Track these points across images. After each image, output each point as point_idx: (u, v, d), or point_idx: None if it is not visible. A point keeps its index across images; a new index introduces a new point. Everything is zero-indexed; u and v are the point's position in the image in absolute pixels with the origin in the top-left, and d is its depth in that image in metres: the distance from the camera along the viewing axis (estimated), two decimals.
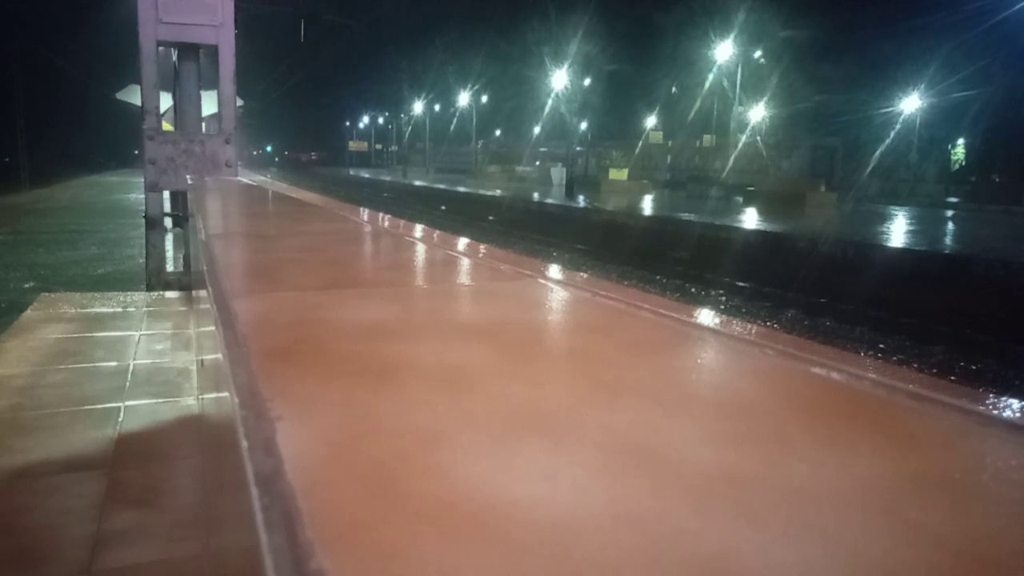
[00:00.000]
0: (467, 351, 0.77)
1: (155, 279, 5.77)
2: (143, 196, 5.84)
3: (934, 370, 8.02)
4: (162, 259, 5.89)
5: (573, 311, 1.07)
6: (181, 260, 6.13)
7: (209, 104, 6.21)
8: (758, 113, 36.68)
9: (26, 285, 6.46)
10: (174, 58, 5.90)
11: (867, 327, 9.78)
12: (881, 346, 9.11)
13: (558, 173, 39.32)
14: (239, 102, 6.05)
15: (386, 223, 2.52)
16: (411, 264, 1.59)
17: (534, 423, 0.55)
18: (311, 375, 0.65)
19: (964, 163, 42.94)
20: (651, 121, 49.89)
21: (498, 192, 28.56)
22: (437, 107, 65.84)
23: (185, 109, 5.83)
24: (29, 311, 4.75)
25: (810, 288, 11.39)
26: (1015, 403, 0.61)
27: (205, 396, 2.74)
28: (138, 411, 3.02)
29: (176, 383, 3.41)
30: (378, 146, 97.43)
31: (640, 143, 47.87)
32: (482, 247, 1.76)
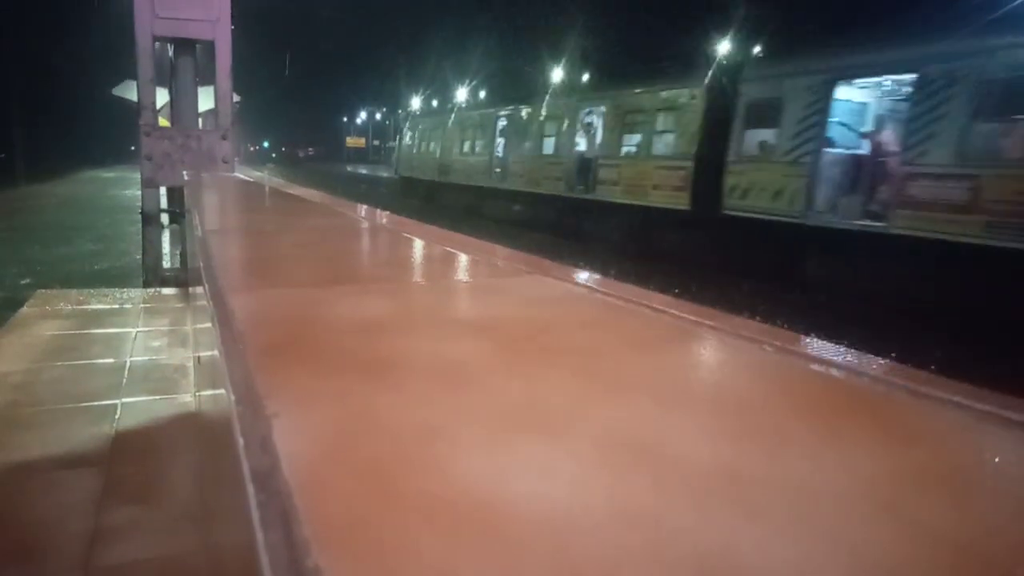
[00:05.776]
0: (465, 347, 0.77)
1: (152, 275, 5.75)
2: (139, 192, 5.82)
3: None
4: (159, 255, 5.88)
5: (572, 307, 1.07)
6: (178, 256, 6.12)
7: (206, 99, 6.19)
8: None
9: (22, 281, 6.45)
10: (170, 53, 5.88)
11: None
12: None
13: None
14: (236, 97, 6.02)
15: (384, 219, 2.51)
16: (409, 260, 1.59)
17: (532, 420, 0.55)
18: (308, 371, 0.65)
19: None
20: None
21: None
22: (435, 102, 65.67)
23: (181, 105, 5.81)
24: (25, 307, 4.74)
25: None
26: (1014, 399, 0.61)
27: (202, 393, 2.74)
28: (135, 408, 3.02)
29: (173, 379, 3.41)
30: (375, 142, 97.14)
31: None
32: (481, 243, 1.76)
